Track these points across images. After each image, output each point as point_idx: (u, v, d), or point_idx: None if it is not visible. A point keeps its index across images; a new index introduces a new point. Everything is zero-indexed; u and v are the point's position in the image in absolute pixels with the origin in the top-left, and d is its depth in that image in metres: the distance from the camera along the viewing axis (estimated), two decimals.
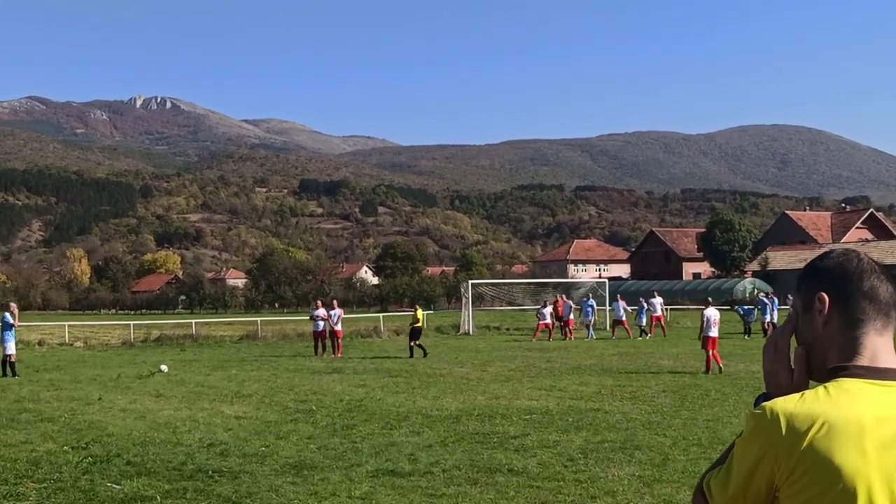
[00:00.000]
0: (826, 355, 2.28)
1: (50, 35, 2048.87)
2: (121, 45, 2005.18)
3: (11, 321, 26.59)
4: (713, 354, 23.76)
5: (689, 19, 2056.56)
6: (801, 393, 2.16)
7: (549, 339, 40.11)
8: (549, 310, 41.69)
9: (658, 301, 43.32)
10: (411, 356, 31.01)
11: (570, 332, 41.60)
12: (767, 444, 2.09)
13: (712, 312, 24.79)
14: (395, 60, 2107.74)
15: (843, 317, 2.26)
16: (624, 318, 42.24)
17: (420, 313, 33.69)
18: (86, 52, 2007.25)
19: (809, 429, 2.05)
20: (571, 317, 42.23)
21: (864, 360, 2.20)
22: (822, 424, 2.04)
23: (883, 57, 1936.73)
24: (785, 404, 2.12)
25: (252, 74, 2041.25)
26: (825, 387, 2.16)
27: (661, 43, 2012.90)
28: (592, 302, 43.24)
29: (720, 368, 23.55)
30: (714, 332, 24.16)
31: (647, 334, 41.23)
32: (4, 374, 25.66)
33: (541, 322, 41.39)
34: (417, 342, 31.87)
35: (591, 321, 42.11)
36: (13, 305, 28.35)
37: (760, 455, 2.10)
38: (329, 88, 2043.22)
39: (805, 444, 2.04)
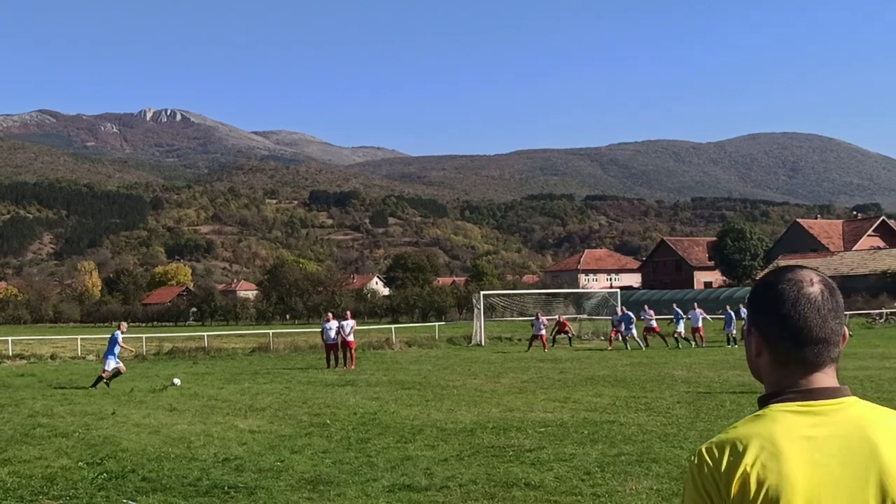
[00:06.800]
0: (761, 379, 2.40)
1: (60, 48, 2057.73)
2: (130, 57, 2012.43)
3: (119, 339, 27.37)
4: None
5: (699, 28, 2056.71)
6: (733, 425, 2.28)
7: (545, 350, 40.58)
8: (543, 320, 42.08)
9: (699, 312, 42.99)
10: None
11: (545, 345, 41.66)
12: (710, 483, 2.19)
13: None
14: (405, 71, 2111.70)
15: (773, 357, 2.34)
16: (701, 326, 42.10)
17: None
18: (95, 65, 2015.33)
19: (743, 457, 2.16)
20: (634, 329, 41.79)
21: (794, 389, 2.28)
22: (756, 452, 2.15)
23: (893, 65, 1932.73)
24: (716, 439, 2.25)
25: (261, 86, 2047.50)
26: (756, 415, 2.27)
27: (670, 52, 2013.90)
28: (630, 313, 42.76)
29: None
30: None
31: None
32: (95, 386, 26.05)
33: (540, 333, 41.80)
34: None
35: (633, 332, 41.64)
36: (124, 325, 29.68)
37: (701, 495, 2.20)
38: (338, 100, 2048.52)
39: (740, 471, 2.14)
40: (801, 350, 2.28)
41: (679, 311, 42.89)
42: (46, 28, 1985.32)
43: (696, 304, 44.50)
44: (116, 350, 27.09)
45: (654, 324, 43.06)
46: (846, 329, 2.38)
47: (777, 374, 2.33)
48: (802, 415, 2.22)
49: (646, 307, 45.00)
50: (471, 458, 13.12)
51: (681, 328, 41.86)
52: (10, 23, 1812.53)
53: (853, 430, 2.19)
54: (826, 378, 2.29)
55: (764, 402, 2.31)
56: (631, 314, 42.47)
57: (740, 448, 2.17)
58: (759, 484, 2.12)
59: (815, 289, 2.30)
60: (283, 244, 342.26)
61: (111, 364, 26.65)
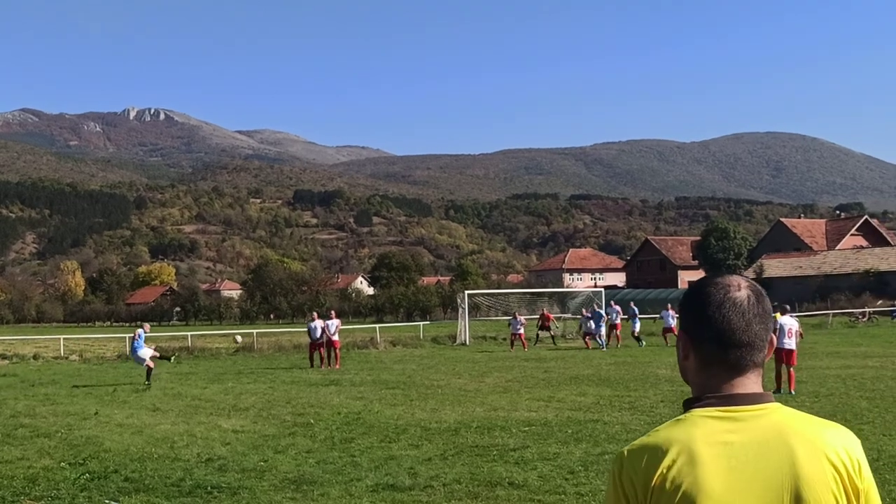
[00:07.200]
0: (688, 381, 2.45)
1: (43, 47, 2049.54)
2: (114, 56, 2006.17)
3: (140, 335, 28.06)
4: (790, 372, 20.76)
5: (683, 28, 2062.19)
6: (656, 429, 2.32)
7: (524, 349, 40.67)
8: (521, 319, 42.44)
9: (671, 313, 43.05)
10: None
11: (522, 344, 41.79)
12: (628, 486, 2.25)
13: (787, 321, 21.62)
14: (389, 70, 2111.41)
15: (699, 359, 2.39)
16: (674, 326, 42.10)
17: None
18: (79, 64, 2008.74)
19: (660, 461, 2.21)
20: (603, 328, 41.82)
21: (716, 394, 2.33)
22: (674, 457, 2.21)
23: (876, 65, 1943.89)
24: (637, 443, 2.31)
25: (246, 85, 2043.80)
26: (678, 419, 2.32)
27: (655, 51, 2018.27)
28: (601, 311, 42.82)
29: (790, 391, 20.26)
30: (790, 344, 20.99)
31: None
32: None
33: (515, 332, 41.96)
34: None
35: (601, 331, 41.64)
36: (147, 325, 30.12)
37: (619, 497, 2.27)
38: (323, 99, 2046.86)
39: (657, 475, 2.20)
40: (725, 353, 2.33)
41: (636, 309, 43.25)
42: (29, 26, 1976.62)
43: (668, 304, 44.61)
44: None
45: (619, 320, 43.17)
46: (773, 336, 2.40)
47: (701, 376, 2.38)
48: (722, 420, 2.26)
49: (612, 303, 45.15)
50: (455, 457, 13.11)
51: (637, 327, 42.52)
52: None
53: (772, 437, 2.23)
54: (749, 383, 2.34)
55: (688, 405, 2.35)
56: (602, 312, 42.52)
57: (659, 452, 2.22)
58: (675, 488, 2.17)
59: (742, 293, 2.36)
60: (268, 244, 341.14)
61: (148, 354, 27.53)
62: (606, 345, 40.83)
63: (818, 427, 2.28)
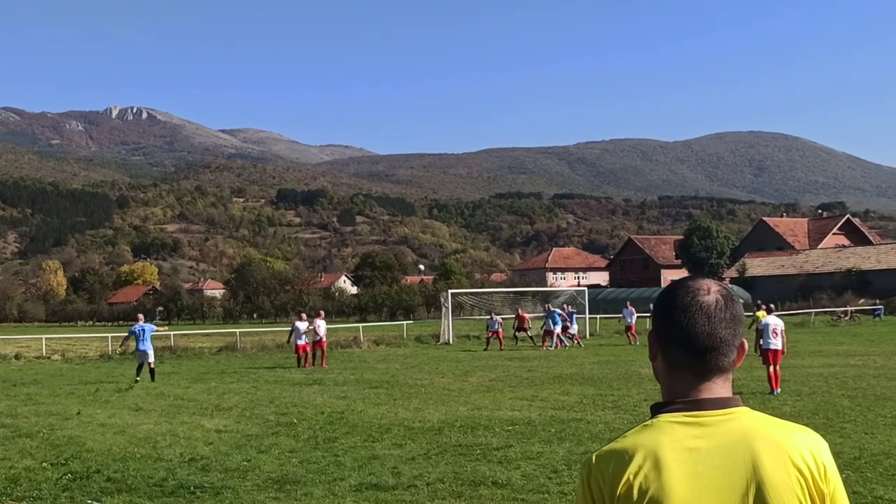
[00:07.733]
0: (659, 381, 2.45)
1: (24, 45, 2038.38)
2: (96, 54, 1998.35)
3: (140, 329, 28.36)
4: (775, 371, 20.32)
5: (666, 28, 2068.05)
6: (624, 434, 2.33)
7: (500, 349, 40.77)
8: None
9: (631, 310, 43.34)
10: None
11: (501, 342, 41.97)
12: (596, 491, 2.26)
13: (773, 320, 21.43)
14: (372, 70, 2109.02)
15: (666, 361, 2.40)
16: (633, 325, 42.32)
17: None
18: (61, 62, 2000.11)
19: (626, 467, 2.22)
20: (559, 327, 41.89)
21: (683, 399, 2.33)
22: (640, 463, 2.21)
23: (858, 65, 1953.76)
24: (605, 448, 2.32)
25: (229, 84, 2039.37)
26: (645, 425, 2.32)
27: (638, 51, 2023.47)
28: (556, 311, 42.84)
29: (772, 390, 20.07)
30: (776, 344, 20.78)
31: None
32: (153, 380, 26.99)
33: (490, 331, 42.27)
34: None
35: (557, 330, 41.67)
36: (141, 317, 30.47)
37: (587, 502, 2.28)
38: (306, 98, 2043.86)
39: (623, 482, 2.20)
40: (690, 356, 2.34)
41: (574, 311, 43.79)
42: (10, 25, 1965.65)
43: (628, 303, 44.85)
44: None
45: (567, 324, 43.30)
46: (744, 342, 2.41)
47: (668, 379, 2.38)
48: (688, 426, 2.26)
49: (565, 305, 45.34)
50: (438, 456, 13.11)
51: (574, 328, 43.16)
52: None
53: (737, 442, 2.23)
54: (716, 388, 2.34)
55: (655, 410, 2.35)
56: (557, 312, 42.57)
57: (626, 458, 2.23)
58: (641, 495, 2.18)
59: (710, 298, 2.35)
60: (251, 243, 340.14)
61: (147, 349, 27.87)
62: (555, 346, 40.96)
63: (784, 431, 2.27)
